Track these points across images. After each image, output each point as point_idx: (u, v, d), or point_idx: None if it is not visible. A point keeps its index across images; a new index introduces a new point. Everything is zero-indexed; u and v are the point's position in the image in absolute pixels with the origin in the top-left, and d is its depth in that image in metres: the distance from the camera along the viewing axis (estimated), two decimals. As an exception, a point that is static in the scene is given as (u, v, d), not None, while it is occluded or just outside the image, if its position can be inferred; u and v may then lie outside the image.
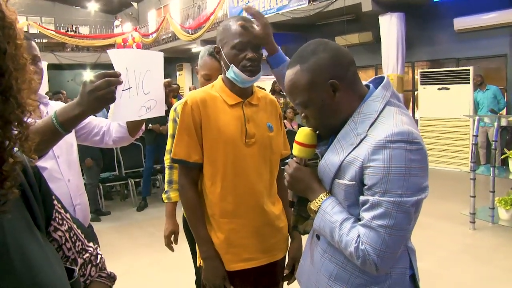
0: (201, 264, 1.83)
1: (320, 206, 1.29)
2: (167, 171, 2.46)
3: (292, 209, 1.45)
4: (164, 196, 2.49)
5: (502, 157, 5.04)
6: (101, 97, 1.23)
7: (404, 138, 1.17)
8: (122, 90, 1.32)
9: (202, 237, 1.77)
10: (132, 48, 18.59)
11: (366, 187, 1.21)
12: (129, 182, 6.74)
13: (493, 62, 9.09)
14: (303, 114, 1.35)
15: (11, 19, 0.65)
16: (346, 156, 1.26)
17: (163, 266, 4.30)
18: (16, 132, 0.66)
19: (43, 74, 1.81)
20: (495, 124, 5.17)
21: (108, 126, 1.93)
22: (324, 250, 1.38)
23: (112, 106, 1.37)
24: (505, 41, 8.55)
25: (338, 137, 1.31)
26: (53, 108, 1.92)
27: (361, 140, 1.24)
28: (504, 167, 5.12)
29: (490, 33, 8.60)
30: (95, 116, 1.84)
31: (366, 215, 1.19)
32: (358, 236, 1.19)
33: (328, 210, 1.27)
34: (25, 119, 0.67)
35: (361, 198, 1.23)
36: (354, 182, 1.24)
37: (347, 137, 1.28)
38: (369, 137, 1.23)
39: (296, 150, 1.37)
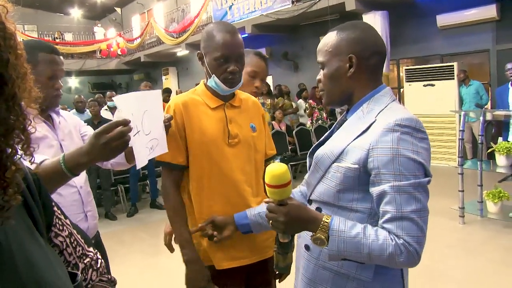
0: None
1: (329, 229, 1.20)
2: None
3: (275, 249, 1.42)
4: None
5: (488, 151, 5.10)
6: (115, 148, 1.22)
7: (412, 125, 1.21)
8: (133, 136, 1.31)
9: (185, 239, 1.75)
10: (117, 53, 18.53)
11: (374, 172, 1.20)
12: (119, 188, 6.71)
13: (477, 57, 9.22)
14: (318, 77, 1.43)
15: (11, 30, 0.67)
16: (352, 141, 1.28)
17: (156, 272, 4.29)
18: (17, 139, 0.67)
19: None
20: (481, 118, 5.24)
21: None
22: (317, 258, 1.38)
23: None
24: (487, 37, 8.68)
25: (345, 125, 1.36)
26: (64, 118, 1.95)
27: (370, 125, 1.27)
28: (491, 160, 5.19)
29: (472, 29, 8.73)
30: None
31: (390, 207, 1.16)
32: (389, 233, 1.15)
33: (342, 228, 1.19)
34: (26, 127, 0.69)
35: (375, 190, 1.20)
36: (357, 166, 1.25)
37: (354, 124, 1.32)
38: (378, 122, 1.26)
39: (273, 193, 1.25)
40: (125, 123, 1.24)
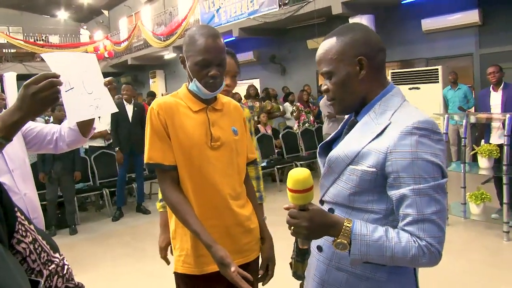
0: (176, 271, 1.83)
1: (351, 233, 1.19)
2: None
3: (293, 257, 1.42)
4: (158, 204, 2.18)
5: (471, 153, 5.15)
6: (45, 98, 1.22)
7: (429, 127, 1.21)
8: (65, 91, 1.36)
9: (193, 230, 1.69)
10: (104, 56, 18.41)
11: (393, 176, 1.20)
12: (104, 192, 6.65)
13: (461, 61, 9.31)
14: (324, 87, 1.38)
15: None
16: (367, 144, 1.27)
17: (142, 275, 4.25)
18: None
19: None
20: (464, 121, 5.30)
21: (59, 131, 1.88)
22: (329, 259, 1.37)
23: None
24: (471, 41, 8.79)
25: (357, 126, 1.34)
26: None
27: (385, 128, 1.26)
28: (475, 163, 5.24)
29: (456, 33, 8.84)
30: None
31: (411, 211, 1.17)
32: (411, 235, 1.17)
33: (364, 232, 1.19)
34: None
35: (395, 193, 1.21)
36: (374, 169, 1.24)
37: (367, 126, 1.31)
38: (393, 124, 1.25)
39: (296, 198, 1.21)
40: (54, 75, 1.27)
